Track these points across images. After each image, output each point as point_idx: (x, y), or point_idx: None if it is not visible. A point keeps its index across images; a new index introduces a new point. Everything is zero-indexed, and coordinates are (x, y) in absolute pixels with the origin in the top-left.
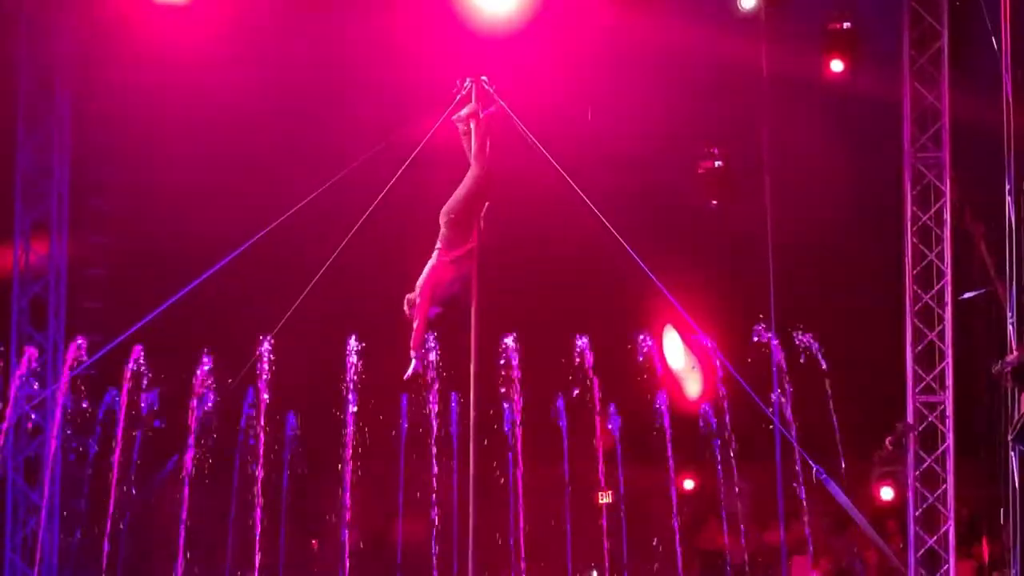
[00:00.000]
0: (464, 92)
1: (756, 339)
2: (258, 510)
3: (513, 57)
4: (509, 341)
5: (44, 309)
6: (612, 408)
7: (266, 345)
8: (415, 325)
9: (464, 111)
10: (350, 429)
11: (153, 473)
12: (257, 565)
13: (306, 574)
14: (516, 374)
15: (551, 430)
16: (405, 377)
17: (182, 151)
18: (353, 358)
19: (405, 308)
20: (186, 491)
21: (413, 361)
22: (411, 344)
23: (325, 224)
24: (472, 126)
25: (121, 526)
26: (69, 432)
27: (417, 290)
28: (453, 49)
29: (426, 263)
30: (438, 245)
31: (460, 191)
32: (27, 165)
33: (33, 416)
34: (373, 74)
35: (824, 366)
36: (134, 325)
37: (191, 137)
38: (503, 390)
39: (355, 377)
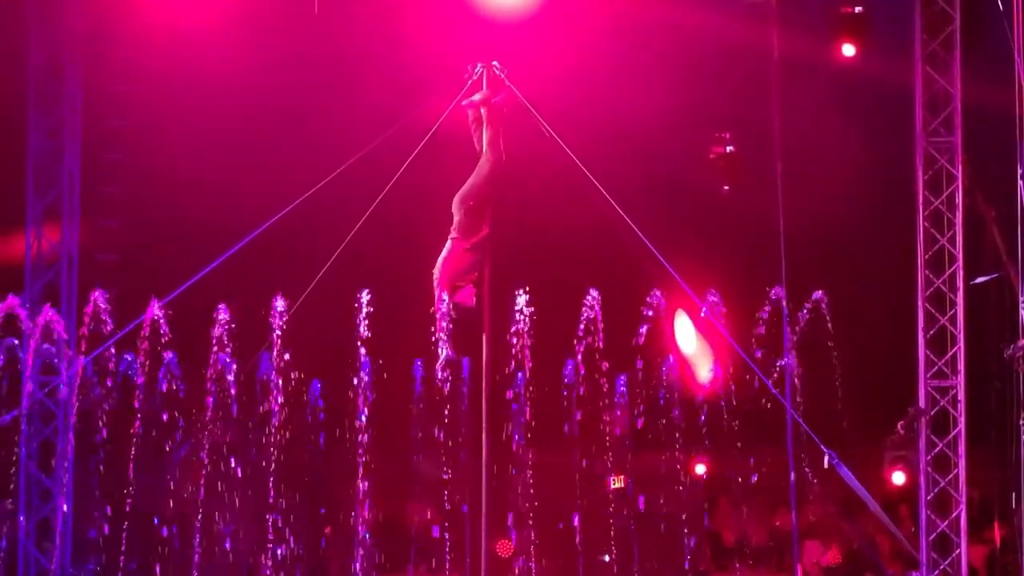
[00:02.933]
0: (475, 77)
1: (766, 310)
2: (271, 496)
3: (523, 42)
4: (521, 299)
5: (57, 296)
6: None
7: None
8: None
9: (475, 98)
10: (362, 413)
11: (167, 456)
12: (270, 551)
13: (319, 560)
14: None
15: (562, 415)
16: (439, 366)
17: (194, 134)
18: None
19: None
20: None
21: (446, 351)
22: (445, 336)
23: (336, 210)
24: (483, 113)
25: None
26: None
27: (436, 281)
28: (463, 35)
29: (439, 252)
30: (453, 234)
31: (474, 178)
32: (38, 150)
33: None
34: (383, 59)
35: (833, 344)
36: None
37: (203, 120)
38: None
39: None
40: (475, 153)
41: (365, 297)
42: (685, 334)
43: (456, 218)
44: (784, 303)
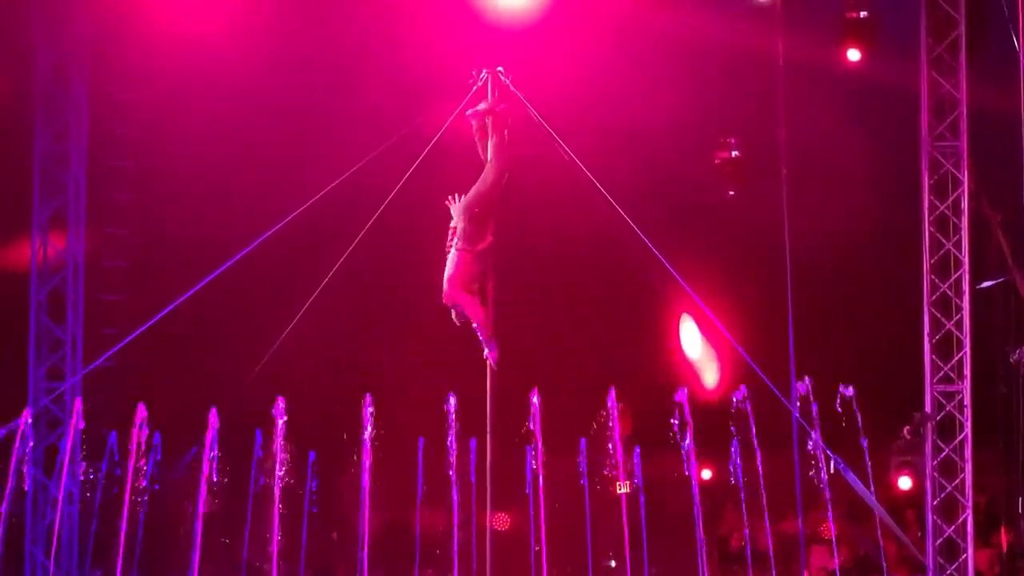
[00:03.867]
0: (480, 83)
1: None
2: (276, 502)
3: (529, 48)
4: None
5: (62, 302)
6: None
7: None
8: (474, 323)
9: (480, 107)
10: (368, 412)
11: (172, 463)
12: (275, 555)
13: (325, 564)
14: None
15: (568, 420)
16: (491, 362)
17: (199, 140)
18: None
19: (454, 319)
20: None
21: (488, 351)
22: (482, 338)
23: (341, 215)
24: (488, 122)
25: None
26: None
27: (447, 290)
28: (469, 40)
29: (445, 262)
30: (458, 243)
31: (478, 186)
32: (44, 156)
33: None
34: (390, 65)
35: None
36: (153, 317)
37: (208, 126)
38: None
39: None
40: (478, 160)
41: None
42: (691, 339)
43: (460, 226)
44: (790, 306)
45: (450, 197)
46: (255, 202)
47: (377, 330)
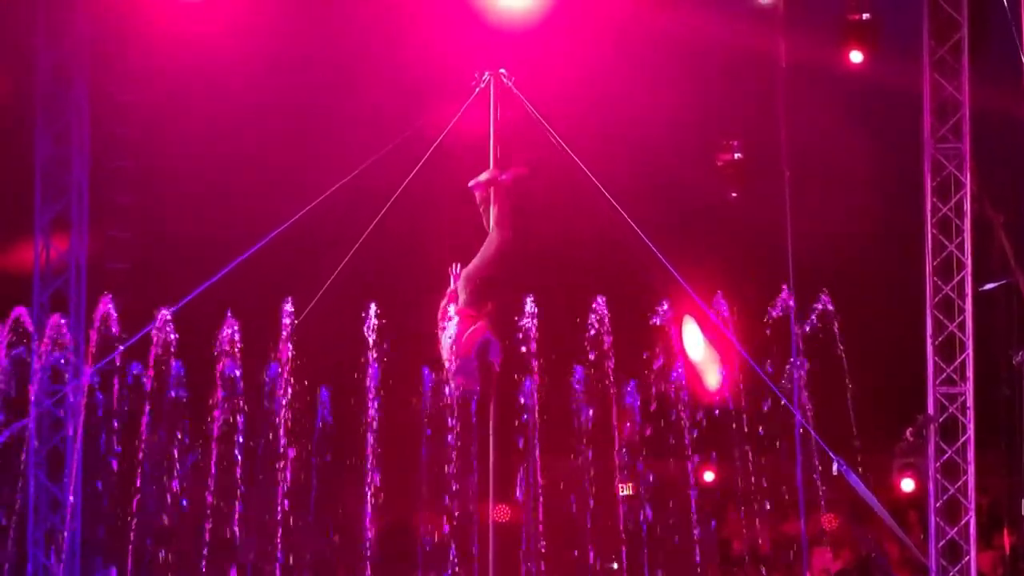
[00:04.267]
0: (483, 85)
1: (775, 315)
2: (279, 503)
3: (530, 49)
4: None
5: (65, 304)
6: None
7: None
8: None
9: (482, 176)
10: (372, 416)
11: (175, 465)
12: (279, 559)
13: (327, 569)
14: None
15: (570, 423)
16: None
17: (201, 142)
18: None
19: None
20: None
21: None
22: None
23: (344, 217)
24: (491, 192)
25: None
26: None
27: (445, 355)
28: (470, 41)
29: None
30: (458, 306)
31: (480, 258)
32: (46, 159)
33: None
34: (392, 68)
35: (842, 349)
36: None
37: (210, 128)
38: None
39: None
40: (482, 161)
41: (373, 309)
42: (693, 340)
43: (462, 297)
44: (792, 308)
45: (453, 265)
46: (256, 203)
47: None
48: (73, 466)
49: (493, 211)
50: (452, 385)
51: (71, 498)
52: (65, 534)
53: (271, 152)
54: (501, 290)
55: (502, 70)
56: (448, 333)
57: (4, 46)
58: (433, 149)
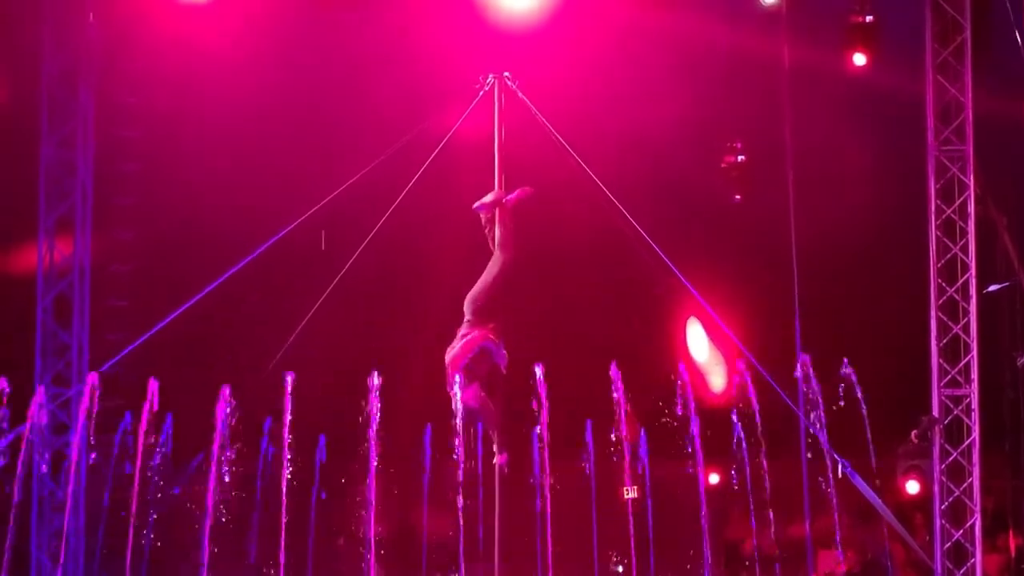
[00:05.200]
0: (487, 88)
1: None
2: (283, 507)
3: (535, 52)
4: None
5: (69, 307)
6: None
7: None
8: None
9: (487, 198)
10: (374, 416)
11: (178, 471)
12: (283, 562)
13: (331, 572)
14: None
15: (576, 426)
16: (502, 466)
17: (207, 146)
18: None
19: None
20: (211, 487)
21: (498, 456)
22: (495, 442)
23: (350, 219)
24: (495, 213)
25: (147, 523)
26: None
27: (448, 370)
28: (475, 44)
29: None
30: (463, 329)
31: (484, 278)
32: (50, 161)
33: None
34: (398, 70)
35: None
36: (159, 323)
37: (215, 132)
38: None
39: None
40: (487, 163)
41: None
42: (697, 342)
43: (466, 317)
44: (796, 308)
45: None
46: (261, 205)
47: (386, 320)
48: (74, 469)
49: (497, 232)
50: (458, 405)
51: (70, 499)
52: (65, 536)
53: (276, 156)
54: (504, 311)
55: (506, 73)
56: (452, 349)
57: (10, 49)
58: (438, 152)
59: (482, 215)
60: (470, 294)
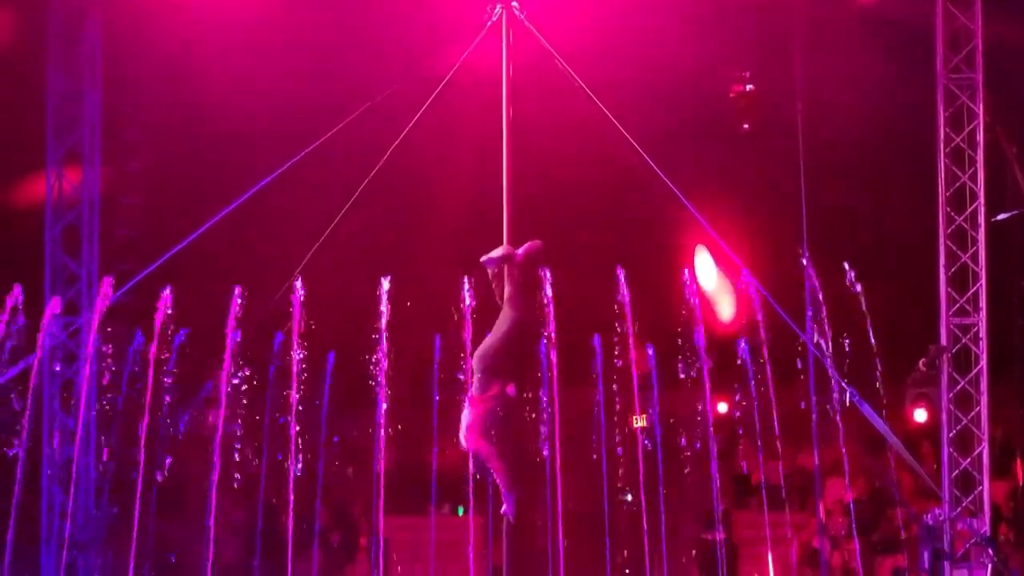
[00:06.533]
0: (494, 19)
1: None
2: (292, 436)
3: None
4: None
5: (78, 238)
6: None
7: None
8: (494, 469)
9: (495, 253)
10: (384, 346)
11: (187, 399)
12: (292, 494)
13: (341, 501)
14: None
15: (586, 355)
16: (508, 515)
17: (215, 75)
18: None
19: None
20: (221, 415)
21: (506, 504)
22: (502, 489)
23: (354, 151)
24: (505, 269)
25: (156, 451)
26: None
27: (466, 440)
28: None
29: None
30: (472, 391)
31: (492, 337)
32: (58, 92)
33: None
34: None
35: (858, 289)
36: (167, 252)
37: (225, 63)
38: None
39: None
40: (496, 98)
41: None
42: (706, 271)
43: (476, 376)
44: (804, 238)
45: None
46: (272, 136)
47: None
48: (83, 398)
49: (507, 288)
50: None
51: (83, 429)
52: (75, 466)
53: (286, 86)
54: (513, 369)
55: (514, 3)
56: (464, 420)
57: None
58: (450, 78)
59: (489, 270)
60: (478, 352)
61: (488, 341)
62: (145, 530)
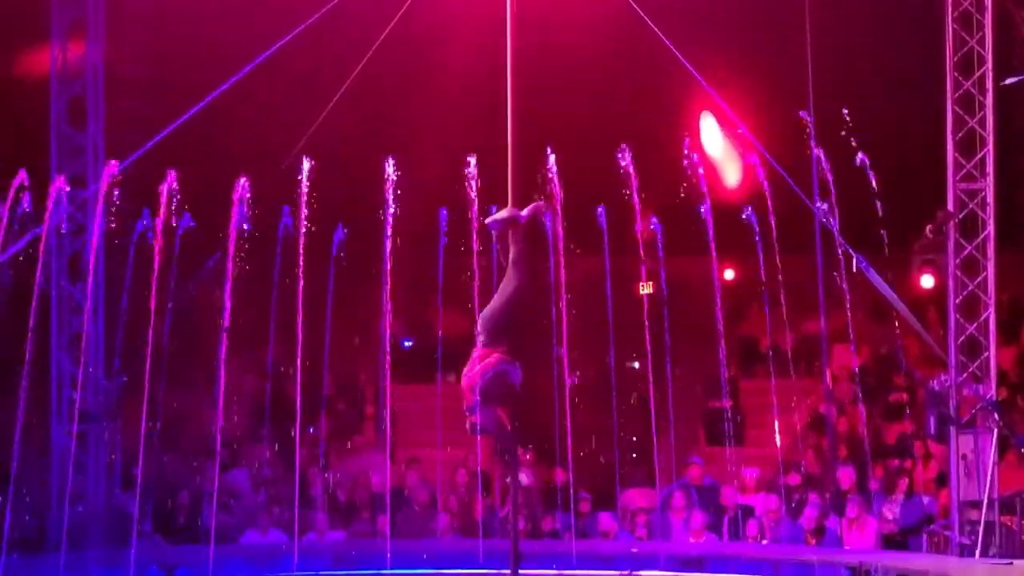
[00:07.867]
0: None
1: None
2: (299, 305)
3: None
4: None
5: (83, 109)
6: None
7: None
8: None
9: (500, 214)
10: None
11: (194, 271)
12: (299, 361)
13: (348, 370)
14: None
15: (591, 224)
16: (513, 483)
17: None
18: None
19: (468, 428)
20: (228, 287)
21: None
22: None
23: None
24: (510, 232)
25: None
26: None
27: (464, 389)
28: None
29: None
30: (476, 352)
31: (497, 299)
32: None
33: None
34: None
35: (863, 159)
36: (173, 124)
37: None
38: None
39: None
40: None
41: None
42: (711, 137)
43: (480, 338)
44: (811, 104)
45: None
46: (274, 11)
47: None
48: (92, 268)
49: (512, 251)
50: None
51: (89, 301)
52: (84, 337)
53: None
54: (518, 331)
55: None
56: (468, 372)
57: None
58: None
59: (494, 232)
60: (483, 314)
61: (493, 304)
62: (154, 399)
